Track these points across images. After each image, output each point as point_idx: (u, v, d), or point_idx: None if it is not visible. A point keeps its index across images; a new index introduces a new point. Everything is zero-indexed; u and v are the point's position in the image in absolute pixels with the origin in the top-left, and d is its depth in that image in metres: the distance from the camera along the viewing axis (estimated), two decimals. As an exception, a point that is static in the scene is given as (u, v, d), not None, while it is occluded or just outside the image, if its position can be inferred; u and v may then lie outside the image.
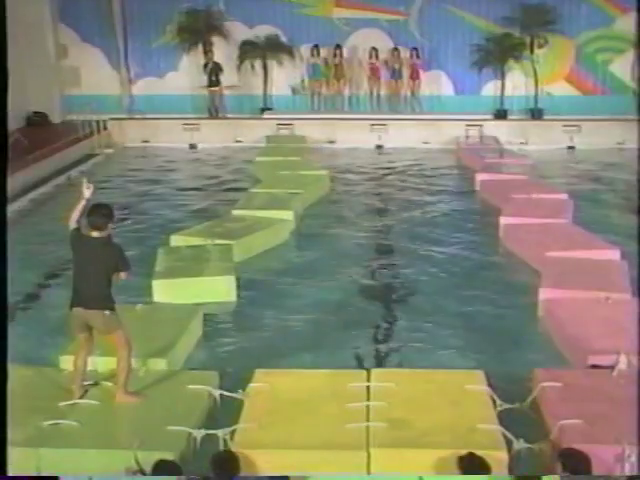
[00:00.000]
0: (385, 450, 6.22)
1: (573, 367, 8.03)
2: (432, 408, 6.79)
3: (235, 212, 13.60)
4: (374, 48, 22.71)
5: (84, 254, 6.89)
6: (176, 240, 12.15)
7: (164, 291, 10.12)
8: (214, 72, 22.57)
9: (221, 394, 7.23)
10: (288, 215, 13.39)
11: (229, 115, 22.96)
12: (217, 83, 22.66)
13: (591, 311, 8.98)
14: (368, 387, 7.15)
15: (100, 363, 7.59)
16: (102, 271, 6.84)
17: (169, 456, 5.87)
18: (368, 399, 6.95)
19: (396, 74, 22.73)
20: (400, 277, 11.17)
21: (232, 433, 6.47)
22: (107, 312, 6.85)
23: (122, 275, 6.95)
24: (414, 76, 22.63)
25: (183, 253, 11.45)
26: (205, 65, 22.67)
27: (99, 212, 6.88)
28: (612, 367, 7.54)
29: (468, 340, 9.00)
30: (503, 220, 12.91)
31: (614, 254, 11.12)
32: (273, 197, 14.45)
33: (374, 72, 22.82)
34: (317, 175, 16.91)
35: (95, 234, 6.86)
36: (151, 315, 9.14)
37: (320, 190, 16.10)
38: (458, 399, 6.94)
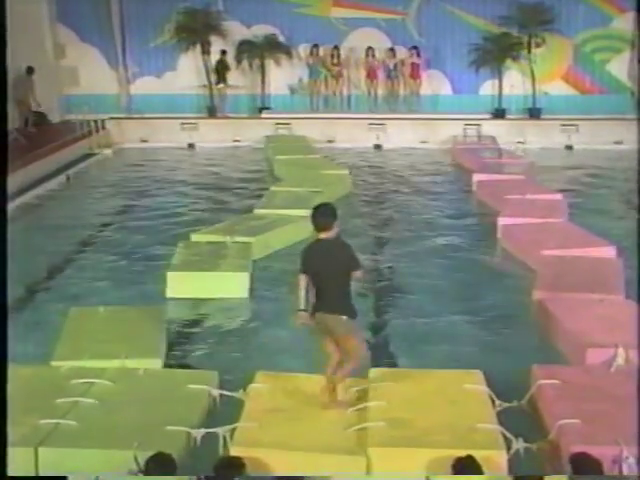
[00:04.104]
0: (384, 450, 6.22)
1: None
2: (431, 408, 6.80)
3: (257, 211, 13.65)
4: (370, 48, 22.75)
5: (317, 259, 6.64)
6: (197, 237, 12.18)
7: (177, 284, 10.18)
8: (223, 71, 22.68)
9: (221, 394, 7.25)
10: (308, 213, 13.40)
11: (227, 114, 22.99)
12: (224, 81, 22.73)
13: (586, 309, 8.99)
14: (366, 388, 7.15)
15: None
16: (337, 272, 6.60)
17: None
18: (366, 399, 6.95)
19: (394, 74, 22.77)
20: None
21: (232, 432, 6.48)
22: (344, 317, 6.64)
23: (357, 274, 6.61)
24: (414, 75, 22.66)
25: (202, 248, 11.51)
26: (217, 63, 22.72)
27: (322, 212, 6.70)
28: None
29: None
30: (501, 221, 12.93)
31: (609, 251, 11.19)
32: (295, 196, 14.50)
33: (371, 72, 22.86)
34: (339, 174, 17.03)
35: (323, 235, 6.64)
36: (116, 316, 9.07)
37: (342, 189, 16.17)
38: (457, 399, 6.94)
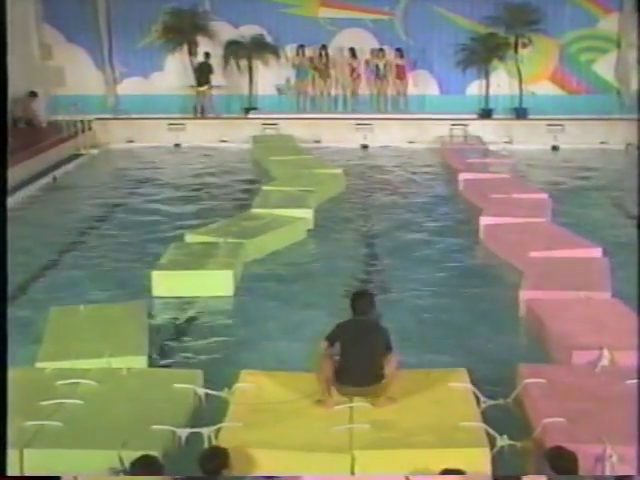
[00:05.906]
0: (369, 452, 6.20)
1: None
2: (415, 408, 6.78)
3: (253, 210, 13.64)
4: (352, 49, 22.79)
5: (352, 336, 6.99)
6: (191, 238, 12.15)
7: (163, 283, 10.23)
8: (205, 72, 22.60)
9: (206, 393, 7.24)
10: (306, 213, 13.45)
11: (210, 115, 22.94)
12: (206, 82, 22.67)
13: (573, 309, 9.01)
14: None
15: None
16: (371, 352, 6.89)
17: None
18: (351, 400, 6.95)
19: (380, 74, 22.80)
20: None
21: (217, 432, 6.47)
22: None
23: (388, 358, 6.90)
24: (400, 76, 22.69)
25: (193, 249, 11.52)
26: (200, 65, 22.65)
27: (364, 300, 7.30)
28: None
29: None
30: (483, 220, 12.90)
31: (595, 252, 11.22)
32: (289, 195, 14.55)
33: (358, 72, 22.88)
34: (332, 174, 17.07)
35: (362, 318, 7.15)
36: (97, 314, 9.09)
37: (336, 188, 16.26)
38: (441, 398, 6.93)
